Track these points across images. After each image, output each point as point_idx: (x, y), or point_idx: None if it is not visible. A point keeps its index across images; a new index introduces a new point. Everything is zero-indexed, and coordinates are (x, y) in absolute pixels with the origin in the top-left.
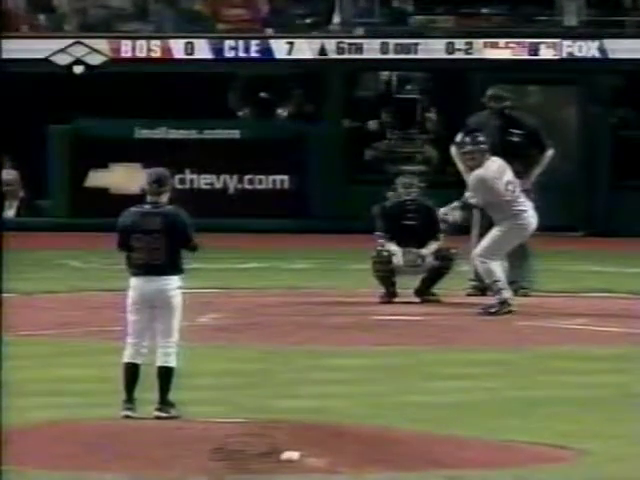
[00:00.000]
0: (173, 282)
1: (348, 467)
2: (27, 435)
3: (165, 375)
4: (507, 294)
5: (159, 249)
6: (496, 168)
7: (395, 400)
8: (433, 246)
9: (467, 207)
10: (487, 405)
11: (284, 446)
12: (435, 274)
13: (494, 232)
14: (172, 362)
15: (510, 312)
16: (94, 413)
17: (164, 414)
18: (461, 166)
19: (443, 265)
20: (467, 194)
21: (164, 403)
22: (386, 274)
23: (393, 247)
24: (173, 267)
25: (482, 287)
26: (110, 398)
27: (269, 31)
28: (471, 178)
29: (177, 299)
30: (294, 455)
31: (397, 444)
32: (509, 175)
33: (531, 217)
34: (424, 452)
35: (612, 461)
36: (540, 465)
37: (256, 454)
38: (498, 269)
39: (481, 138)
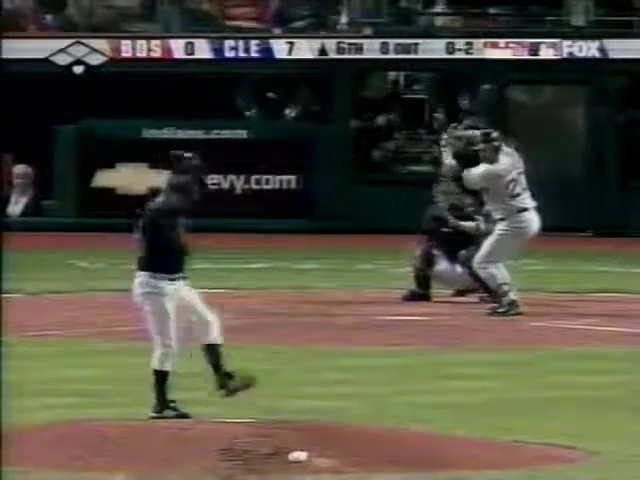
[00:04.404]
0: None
1: (356, 467)
2: (33, 436)
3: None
4: (514, 295)
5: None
6: (506, 166)
7: (403, 400)
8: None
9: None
10: (496, 405)
11: (292, 446)
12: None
13: (492, 237)
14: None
15: (520, 313)
16: (100, 414)
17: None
18: (446, 155)
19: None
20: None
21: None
22: (424, 275)
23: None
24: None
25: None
26: (116, 399)
27: (276, 31)
28: (481, 168)
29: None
30: (302, 455)
31: (405, 444)
32: (515, 173)
33: (532, 218)
34: (432, 452)
35: (622, 462)
36: (549, 466)
37: (264, 454)
38: (500, 271)
39: (494, 135)
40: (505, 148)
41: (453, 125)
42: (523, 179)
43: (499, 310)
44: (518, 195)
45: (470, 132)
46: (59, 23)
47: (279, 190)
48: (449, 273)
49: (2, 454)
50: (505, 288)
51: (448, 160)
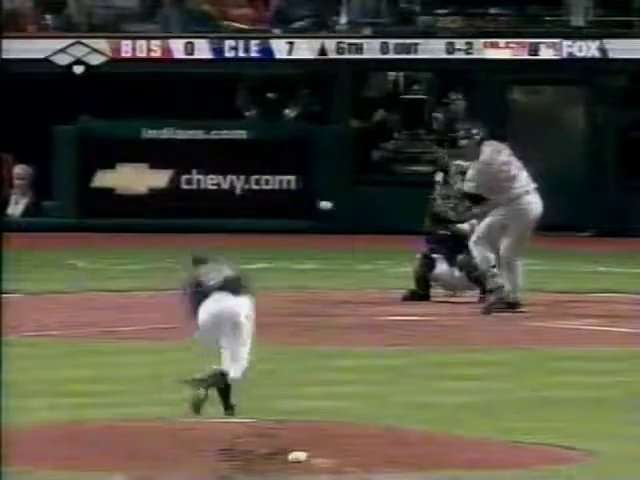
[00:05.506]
0: None
1: (355, 467)
2: (33, 436)
3: None
4: (501, 280)
5: None
6: (489, 153)
7: (402, 400)
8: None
9: (468, 197)
10: (495, 406)
11: (291, 447)
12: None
13: (490, 218)
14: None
15: (521, 312)
16: (100, 414)
17: (197, 377)
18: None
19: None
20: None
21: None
22: (424, 278)
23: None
24: None
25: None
26: (115, 399)
27: (276, 31)
28: (470, 170)
29: None
30: (302, 455)
31: (404, 445)
32: (504, 156)
33: (532, 201)
34: (432, 452)
35: (621, 462)
36: (549, 466)
37: (263, 455)
38: (494, 257)
39: (474, 130)
40: (487, 142)
41: (443, 152)
42: (515, 160)
43: (491, 306)
44: (514, 177)
45: (458, 163)
46: (59, 23)
47: (279, 190)
48: (448, 276)
49: (2, 454)
50: (494, 271)
51: (458, 185)
